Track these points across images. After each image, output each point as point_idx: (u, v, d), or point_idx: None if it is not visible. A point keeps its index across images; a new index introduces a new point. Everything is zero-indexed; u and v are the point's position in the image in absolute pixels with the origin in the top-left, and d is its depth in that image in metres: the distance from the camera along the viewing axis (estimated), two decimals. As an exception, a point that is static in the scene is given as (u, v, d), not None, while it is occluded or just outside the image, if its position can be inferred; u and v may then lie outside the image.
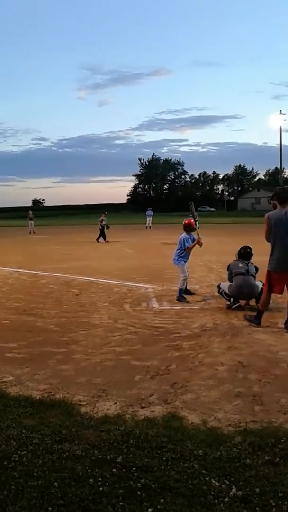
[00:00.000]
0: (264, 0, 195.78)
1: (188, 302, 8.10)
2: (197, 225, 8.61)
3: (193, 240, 8.47)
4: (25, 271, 12.72)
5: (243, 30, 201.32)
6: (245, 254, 7.77)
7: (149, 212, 36.80)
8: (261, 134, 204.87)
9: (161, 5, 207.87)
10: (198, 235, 8.48)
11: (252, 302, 7.64)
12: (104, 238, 23.15)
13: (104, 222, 23.47)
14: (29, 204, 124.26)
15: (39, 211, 72.12)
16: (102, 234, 23.27)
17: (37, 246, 22.10)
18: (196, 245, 8.42)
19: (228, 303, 7.58)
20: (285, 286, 6.27)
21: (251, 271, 7.55)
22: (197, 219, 8.70)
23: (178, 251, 8.52)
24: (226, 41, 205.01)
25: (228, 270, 7.90)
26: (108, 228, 23.60)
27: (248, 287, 7.41)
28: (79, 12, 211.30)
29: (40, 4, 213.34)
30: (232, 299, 7.58)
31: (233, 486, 2.67)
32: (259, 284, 7.41)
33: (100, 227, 23.36)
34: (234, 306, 7.49)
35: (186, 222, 8.63)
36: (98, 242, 22.83)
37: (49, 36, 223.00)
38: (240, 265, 7.65)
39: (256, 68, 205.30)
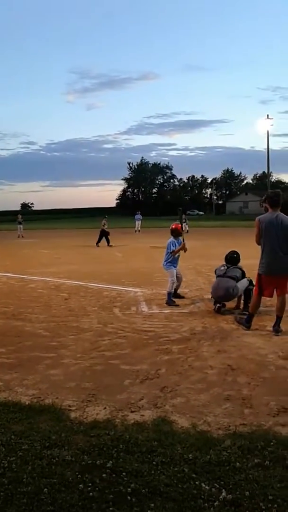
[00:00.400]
0: (252, 6, 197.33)
1: (177, 305, 8.12)
2: (186, 228, 8.71)
3: (180, 244, 8.53)
4: (13, 275, 12.64)
5: (230, 35, 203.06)
6: (230, 259, 7.86)
7: (138, 216, 36.81)
8: (249, 138, 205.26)
9: (150, 10, 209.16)
10: (183, 240, 8.55)
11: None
12: (97, 243, 22.88)
13: (106, 226, 23.25)
14: (18, 207, 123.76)
15: (28, 215, 71.75)
16: (105, 238, 22.85)
17: (26, 250, 21.98)
18: (182, 250, 8.51)
19: (214, 306, 7.64)
20: (274, 289, 6.32)
21: (230, 273, 7.55)
22: (187, 222, 8.79)
23: (167, 256, 8.56)
24: (213, 46, 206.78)
25: (215, 273, 7.99)
26: (108, 234, 23.19)
27: (222, 289, 7.41)
28: (67, 16, 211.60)
29: (28, 8, 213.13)
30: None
31: (223, 490, 2.67)
32: (241, 285, 7.42)
33: (106, 230, 23.09)
34: (215, 308, 7.55)
35: (173, 226, 8.71)
36: (110, 246, 22.34)
37: (37, 40, 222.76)
38: (222, 268, 7.75)
39: (243, 73, 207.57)
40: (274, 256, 6.13)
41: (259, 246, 6.34)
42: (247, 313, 6.73)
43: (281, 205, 6.32)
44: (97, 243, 22.96)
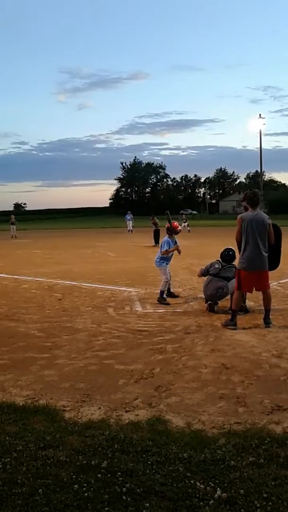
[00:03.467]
0: (241, 6, 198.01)
1: (168, 304, 8.13)
2: (187, 228, 8.77)
3: (175, 244, 8.54)
4: (6, 275, 12.58)
5: (220, 35, 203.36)
6: (227, 256, 7.80)
7: (128, 216, 36.78)
8: (240, 137, 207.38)
9: (139, 9, 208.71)
10: (175, 242, 8.56)
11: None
12: (155, 241, 21.47)
13: (158, 225, 22.70)
14: (10, 208, 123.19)
15: (20, 215, 71.48)
16: (155, 236, 21.93)
17: (19, 251, 21.89)
18: (176, 251, 8.54)
19: (205, 304, 7.65)
20: (253, 285, 6.49)
21: (223, 274, 7.53)
22: (187, 222, 8.84)
23: (160, 253, 8.59)
24: (203, 46, 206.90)
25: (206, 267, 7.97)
26: (157, 225, 22.51)
27: (212, 289, 7.42)
28: (57, 16, 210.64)
29: (18, 8, 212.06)
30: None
31: (218, 488, 2.68)
32: (232, 285, 7.39)
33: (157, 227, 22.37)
34: (207, 307, 7.58)
35: (168, 225, 8.72)
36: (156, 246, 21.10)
37: (27, 40, 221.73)
38: (216, 266, 7.70)
39: (233, 72, 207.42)
40: (256, 252, 6.32)
41: (237, 243, 6.56)
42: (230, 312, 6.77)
43: (259, 204, 6.60)
44: (156, 243, 21.56)
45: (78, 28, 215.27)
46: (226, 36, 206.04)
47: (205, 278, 7.89)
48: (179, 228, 9.04)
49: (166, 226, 8.77)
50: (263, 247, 6.35)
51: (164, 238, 8.71)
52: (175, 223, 8.84)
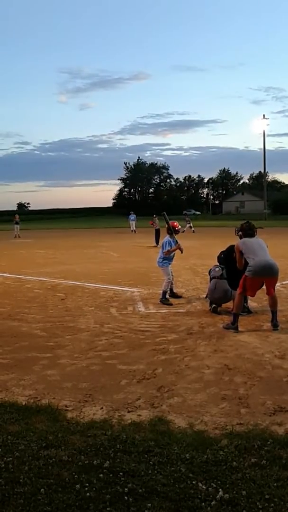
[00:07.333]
0: (243, 6, 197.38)
1: (171, 304, 8.13)
2: (192, 228, 8.77)
3: (176, 243, 8.54)
4: (9, 275, 12.61)
5: (221, 35, 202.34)
6: (221, 259, 7.81)
7: (131, 216, 36.76)
8: (243, 138, 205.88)
9: (140, 10, 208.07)
10: (177, 241, 8.55)
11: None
12: (156, 242, 21.29)
13: (156, 225, 22.46)
14: (13, 207, 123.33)
15: (24, 215, 71.52)
16: (156, 237, 21.66)
17: (22, 250, 21.92)
18: (177, 250, 8.53)
19: (209, 307, 7.65)
20: (257, 290, 6.63)
21: (226, 276, 7.55)
22: (191, 223, 8.83)
23: (162, 253, 8.59)
24: (204, 46, 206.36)
25: (209, 274, 7.98)
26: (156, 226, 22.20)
27: (220, 292, 7.42)
28: (57, 16, 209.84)
29: (18, 7, 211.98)
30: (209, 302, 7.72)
31: (220, 489, 2.68)
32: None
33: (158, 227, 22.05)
34: (210, 308, 7.58)
35: (167, 226, 8.74)
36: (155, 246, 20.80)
37: (28, 40, 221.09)
38: (217, 269, 7.71)
39: (235, 73, 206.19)
40: (270, 261, 6.45)
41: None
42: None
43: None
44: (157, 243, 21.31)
45: (79, 29, 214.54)
46: (228, 36, 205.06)
47: (209, 283, 7.85)
48: (179, 227, 9.04)
49: (166, 226, 8.78)
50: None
51: (165, 238, 8.72)
52: (175, 223, 8.84)
